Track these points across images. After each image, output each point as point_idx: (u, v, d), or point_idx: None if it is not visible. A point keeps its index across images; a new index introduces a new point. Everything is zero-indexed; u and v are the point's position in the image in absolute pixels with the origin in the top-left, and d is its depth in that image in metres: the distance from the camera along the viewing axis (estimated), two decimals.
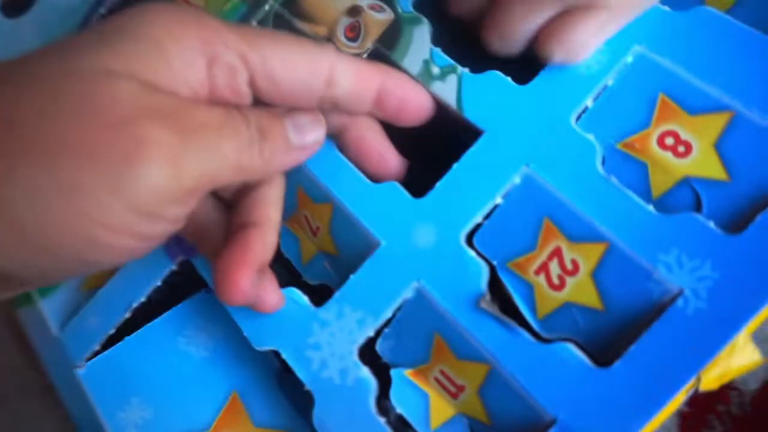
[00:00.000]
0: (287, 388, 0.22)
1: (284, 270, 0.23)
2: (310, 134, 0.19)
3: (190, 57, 0.17)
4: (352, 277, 0.20)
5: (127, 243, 0.16)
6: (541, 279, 0.19)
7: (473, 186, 0.19)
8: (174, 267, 0.23)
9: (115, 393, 0.23)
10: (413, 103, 0.20)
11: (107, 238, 0.15)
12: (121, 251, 0.16)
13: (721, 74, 0.18)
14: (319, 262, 0.22)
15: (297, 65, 0.18)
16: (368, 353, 0.20)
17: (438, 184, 0.20)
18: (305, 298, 0.20)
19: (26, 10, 0.31)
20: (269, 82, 0.18)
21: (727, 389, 0.23)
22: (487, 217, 0.19)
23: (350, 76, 0.19)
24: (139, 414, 0.22)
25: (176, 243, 0.22)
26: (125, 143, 0.15)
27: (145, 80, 0.16)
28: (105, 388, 0.23)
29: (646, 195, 0.18)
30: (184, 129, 0.16)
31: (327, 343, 0.20)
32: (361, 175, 0.21)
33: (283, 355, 0.20)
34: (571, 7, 0.18)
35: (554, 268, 0.18)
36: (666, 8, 0.19)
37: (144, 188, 0.15)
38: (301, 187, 0.22)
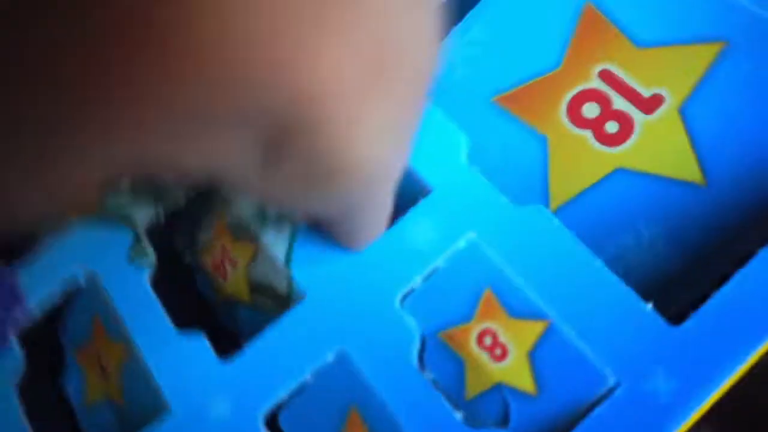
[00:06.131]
0: None
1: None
2: None
3: None
4: None
5: None
6: None
7: (277, 363, 0.18)
8: None
9: None
10: None
11: None
12: None
13: (543, 279, 0.17)
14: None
15: None
16: None
17: (245, 351, 0.18)
18: None
19: None
20: None
21: None
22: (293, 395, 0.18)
23: None
24: None
25: None
26: None
27: None
28: None
29: (460, 393, 0.17)
30: None
31: None
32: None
33: None
34: None
35: None
36: (504, 198, 0.19)
37: None
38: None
